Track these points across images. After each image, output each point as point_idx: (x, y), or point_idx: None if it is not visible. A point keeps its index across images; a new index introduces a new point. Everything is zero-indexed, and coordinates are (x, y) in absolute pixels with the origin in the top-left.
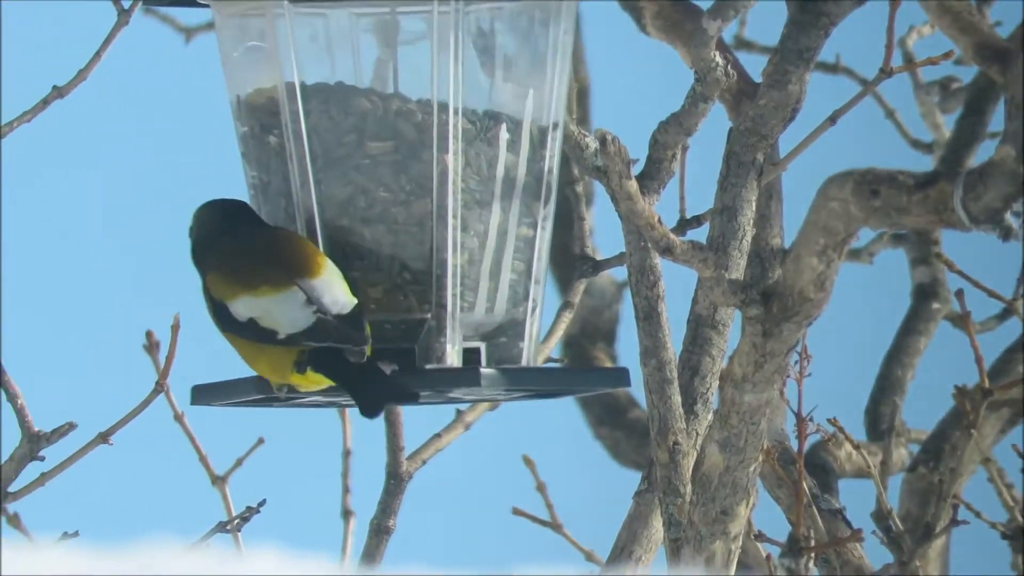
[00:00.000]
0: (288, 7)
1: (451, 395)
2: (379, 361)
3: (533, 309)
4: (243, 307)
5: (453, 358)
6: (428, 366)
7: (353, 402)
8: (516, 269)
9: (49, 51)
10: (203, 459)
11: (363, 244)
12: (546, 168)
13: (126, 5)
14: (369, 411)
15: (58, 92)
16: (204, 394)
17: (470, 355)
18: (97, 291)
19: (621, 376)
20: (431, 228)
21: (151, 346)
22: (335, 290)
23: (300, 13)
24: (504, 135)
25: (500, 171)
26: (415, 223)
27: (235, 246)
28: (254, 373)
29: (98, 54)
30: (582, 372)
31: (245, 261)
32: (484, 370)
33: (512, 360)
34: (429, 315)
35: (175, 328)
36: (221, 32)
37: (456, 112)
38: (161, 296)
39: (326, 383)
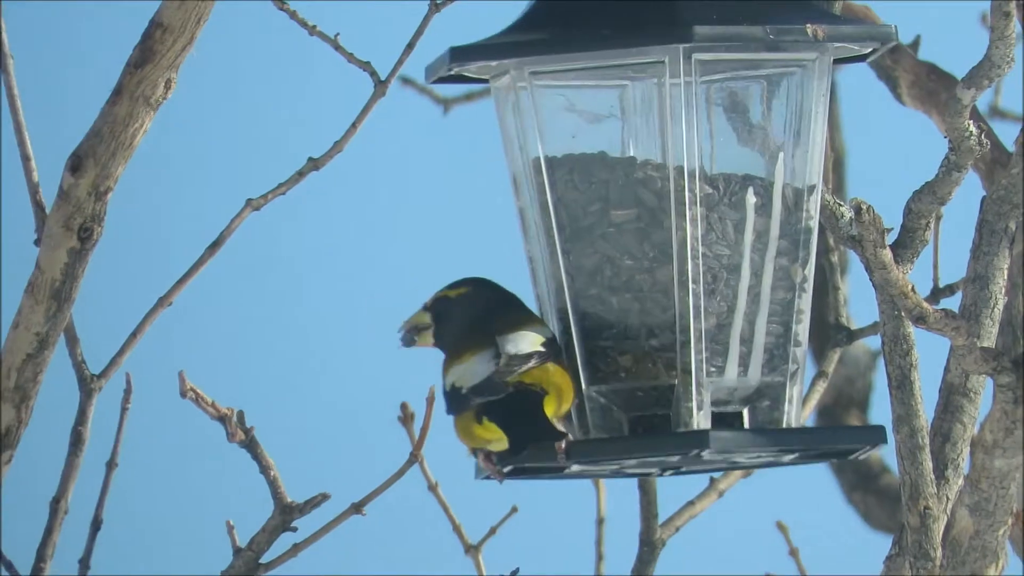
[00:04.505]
0: (530, 78)
1: (708, 463)
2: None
3: (794, 372)
4: (451, 376)
5: (700, 422)
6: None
7: (613, 470)
8: (773, 332)
9: (305, 122)
10: (457, 528)
11: (612, 313)
12: (803, 230)
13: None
14: (515, 449)
15: (314, 164)
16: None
17: (733, 420)
18: (351, 362)
19: (878, 433)
20: (674, 294)
21: (406, 417)
22: (522, 339)
23: (540, 85)
24: (751, 199)
25: (749, 235)
26: (660, 290)
27: (463, 324)
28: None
29: (354, 125)
30: (834, 429)
31: (465, 333)
32: (718, 433)
33: (775, 424)
34: (676, 381)
35: (430, 400)
36: (498, 105)
37: (693, 177)
38: (415, 367)
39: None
